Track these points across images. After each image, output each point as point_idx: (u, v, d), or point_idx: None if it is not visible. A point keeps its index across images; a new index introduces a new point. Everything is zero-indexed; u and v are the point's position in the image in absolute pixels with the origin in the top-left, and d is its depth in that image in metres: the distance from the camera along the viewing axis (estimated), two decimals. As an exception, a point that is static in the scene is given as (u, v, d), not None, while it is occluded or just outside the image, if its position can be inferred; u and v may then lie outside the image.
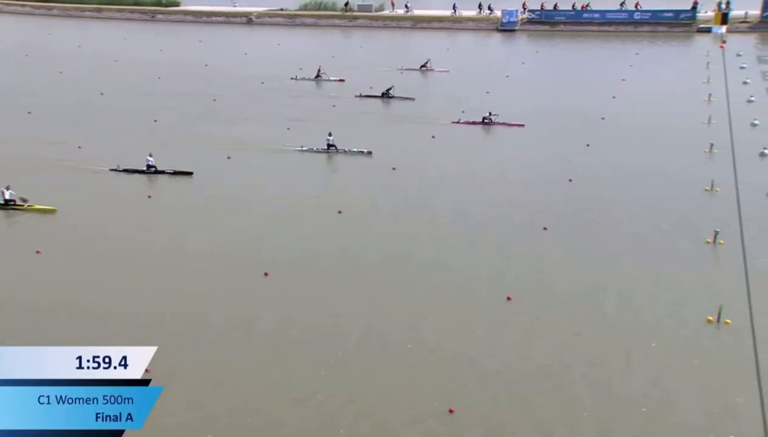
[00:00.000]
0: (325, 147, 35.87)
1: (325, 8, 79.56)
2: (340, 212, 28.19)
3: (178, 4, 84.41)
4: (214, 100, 47.02)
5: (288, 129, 39.68)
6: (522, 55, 61.80)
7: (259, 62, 58.65)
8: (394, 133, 39.70)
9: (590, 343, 19.44)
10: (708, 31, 65.25)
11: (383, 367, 18.55)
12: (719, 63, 53.25)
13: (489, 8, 73.23)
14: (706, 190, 29.64)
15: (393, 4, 77.16)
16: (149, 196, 30.52)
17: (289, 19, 78.39)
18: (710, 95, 44.09)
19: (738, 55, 55.58)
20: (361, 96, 47.51)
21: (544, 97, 46.02)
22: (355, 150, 35.52)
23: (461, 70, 54.22)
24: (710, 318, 20.17)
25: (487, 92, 47.32)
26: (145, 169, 32.95)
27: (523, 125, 39.75)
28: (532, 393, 17.44)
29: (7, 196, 28.82)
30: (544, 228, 26.41)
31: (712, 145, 34.73)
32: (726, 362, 18.57)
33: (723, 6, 66.17)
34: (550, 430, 16.21)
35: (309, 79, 52.42)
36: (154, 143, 37.44)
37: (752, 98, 43.14)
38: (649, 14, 69.34)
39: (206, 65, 57.80)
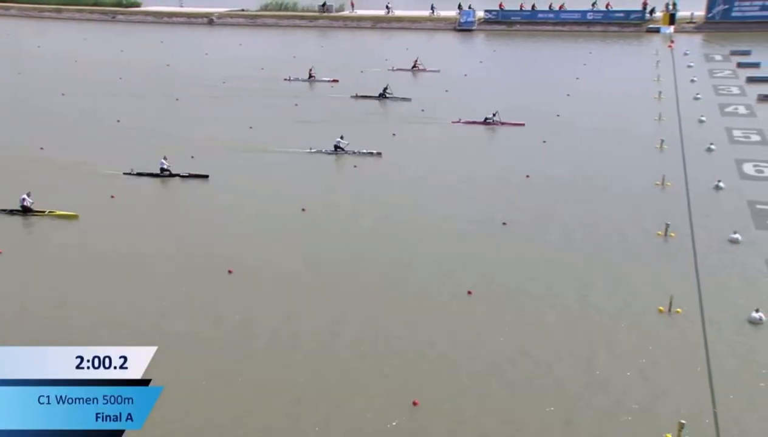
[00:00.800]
0: (332, 149, 35.99)
1: (286, 8, 79.99)
2: (303, 209, 28.98)
3: (138, 5, 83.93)
4: (177, 99, 47.34)
5: (251, 127, 40.35)
6: (479, 54, 63.05)
7: (220, 62, 58.95)
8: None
9: (548, 334, 20.26)
10: (657, 31, 67.42)
11: (351, 363, 19.42)
12: (668, 62, 55.19)
13: (470, 8, 74.18)
14: (658, 184, 30.88)
15: (353, 5, 77.90)
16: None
17: (250, 20, 78.60)
18: (660, 93, 45.75)
19: (685, 54, 57.63)
20: (356, 96, 47.70)
21: (501, 95, 47.10)
22: (365, 151, 35.75)
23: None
24: (661, 308, 21.10)
25: (446, 91, 48.36)
26: (158, 172, 32.94)
27: (523, 124, 40.32)
28: (493, 385, 18.12)
29: (27, 203, 28.63)
30: (504, 224, 27.44)
31: (662, 141, 36.19)
32: (677, 349, 19.47)
33: (670, 7, 68.63)
34: (513, 422, 16.89)
35: (302, 80, 52.48)
36: (118, 143, 37.98)
37: (699, 96, 44.89)
38: (601, 14, 71.31)
39: (168, 65, 57.94)
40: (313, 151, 36.23)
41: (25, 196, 28.70)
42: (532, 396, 17.72)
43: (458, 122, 41.12)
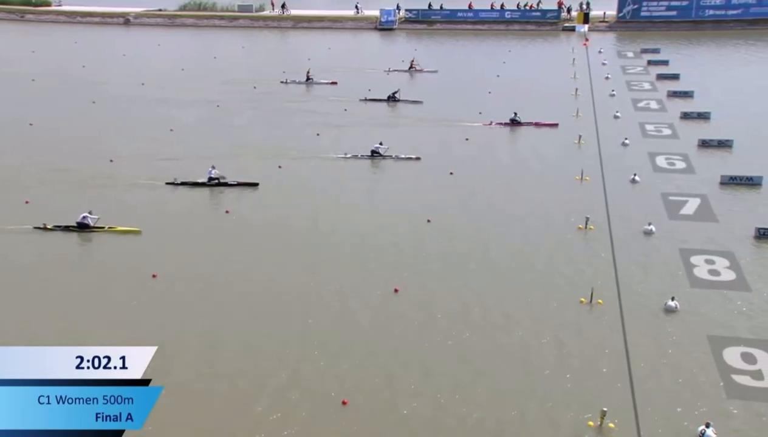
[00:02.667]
0: (369, 153, 35.05)
1: (205, 8, 78.79)
2: (227, 211, 28.90)
3: (49, 4, 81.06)
4: (94, 102, 46.08)
5: (171, 130, 39.71)
6: (401, 53, 63.28)
7: (139, 63, 57.77)
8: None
9: (472, 329, 20.63)
10: (572, 29, 69.53)
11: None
12: (583, 59, 56.85)
13: (441, 7, 74.30)
14: (577, 178, 31.73)
15: (273, 5, 77.31)
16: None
17: (169, 20, 76.98)
18: (577, 90, 47.06)
19: (600, 52, 59.50)
20: (365, 100, 46.31)
21: (423, 93, 47.53)
22: (403, 156, 34.96)
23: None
24: (583, 299, 21.80)
25: (369, 90, 48.50)
26: (206, 181, 31.52)
27: (556, 125, 39.93)
28: (419, 382, 18.37)
29: (90, 222, 27.01)
30: (428, 221, 27.78)
31: (580, 136, 37.23)
32: (598, 338, 20.16)
33: (584, 6, 70.92)
34: (438, 418, 17.16)
35: (299, 83, 51.00)
36: (32, 147, 36.92)
37: (613, 92, 46.47)
38: (519, 13, 72.94)
39: (83, 66, 56.35)
40: (348, 156, 35.25)
41: (86, 214, 27.20)
42: (456, 393, 17.99)
43: (490, 124, 40.43)
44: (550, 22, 71.72)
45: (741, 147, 35.42)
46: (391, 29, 72.56)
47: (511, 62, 57.99)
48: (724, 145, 35.83)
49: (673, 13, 69.14)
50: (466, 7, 73.66)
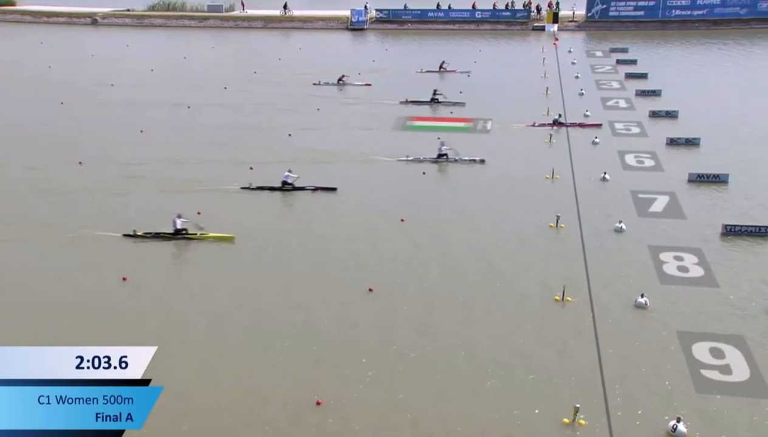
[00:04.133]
0: (435, 156, 34.43)
1: (175, 8, 78.17)
2: (198, 212, 28.64)
3: (13, 4, 79.89)
4: (62, 103, 45.50)
5: (141, 131, 39.34)
6: (372, 53, 63.45)
7: (107, 64, 57.13)
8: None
9: (445, 328, 20.73)
10: (542, 29, 70.11)
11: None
12: (553, 59, 57.36)
13: (449, 7, 74.27)
14: (548, 177, 32.03)
15: (243, 5, 76.93)
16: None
17: (137, 20, 76.26)
18: (547, 89, 47.41)
19: (569, 51, 60.06)
20: (406, 102, 45.18)
21: (394, 92, 47.41)
22: (467, 158, 34.42)
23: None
24: (557, 297, 22.00)
25: (340, 90, 48.49)
26: (280, 185, 30.84)
27: (600, 125, 39.48)
28: (394, 381, 18.43)
29: (179, 225, 26.35)
30: (402, 220, 27.84)
31: (551, 135, 37.61)
32: (570, 336, 20.32)
33: (553, 6, 71.54)
34: (412, 415, 17.28)
35: (332, 85, 50.00)
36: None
37: (582, 91, 46.92)
38: (489, 13, 73.36)
39: (50, 67, 55.63)
40: (410, 158, 34.54)
41: (175, 218, 26.56)
42: (428, 392, 18.07)
43: (532, 125, 39.91)
44: (519, 22, 72.19)
45: (708, 145, 35.95)
46: (362, 29, 72.51)
47: (482, 61, 58.21)
48: (691, 143, 36.36)
49: (641, 13, 70.08)
50: (462, 8, 73.84)
